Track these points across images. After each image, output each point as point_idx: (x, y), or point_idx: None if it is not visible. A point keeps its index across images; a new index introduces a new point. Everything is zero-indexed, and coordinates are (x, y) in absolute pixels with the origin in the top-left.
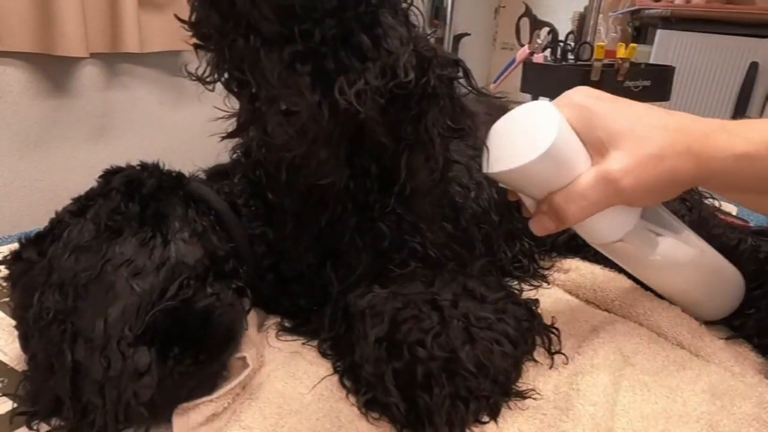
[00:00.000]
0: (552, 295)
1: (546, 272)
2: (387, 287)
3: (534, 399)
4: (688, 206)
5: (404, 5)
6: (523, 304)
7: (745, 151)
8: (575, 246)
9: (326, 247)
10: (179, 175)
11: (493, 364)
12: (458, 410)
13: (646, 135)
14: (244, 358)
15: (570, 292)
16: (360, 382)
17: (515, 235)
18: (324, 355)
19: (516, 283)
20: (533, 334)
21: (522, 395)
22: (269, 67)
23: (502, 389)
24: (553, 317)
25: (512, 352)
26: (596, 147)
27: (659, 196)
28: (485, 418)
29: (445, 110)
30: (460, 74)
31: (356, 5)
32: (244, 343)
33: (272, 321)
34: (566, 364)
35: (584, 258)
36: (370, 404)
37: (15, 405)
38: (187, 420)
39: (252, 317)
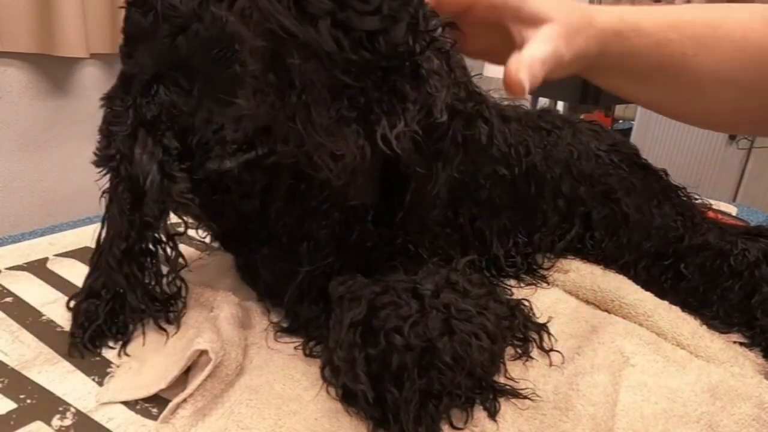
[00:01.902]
0: (552, 295)
1: (546, 272)
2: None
3: (534, 399)
4: (677, 211)
5: (447, 48)
6: (505, 302)
7: (618, 28)
8: (574, 247)
9: (303, 231)
10: None
11: (471, 357)
12: (427, 409)
13: (567, 14)
14: (206, 352)
15: (570, 292)
16: (334, 369)
17: (508, 231)
18: (310, 355)
19: (515, 283)
20: (512, 333)
21: (517, 394)
22: (318, 121)
23: (478, 384)
24: (550, 317)
25: (490, 347)
26: (531, 19)
27: (569, 66)
28: (485, 419)
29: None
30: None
31: (401, 68)
32: (209, 338)
33: (268, 322)
34: (566, 364)
35: (584, 258)
36: (346, 397)
37: (16, 405)
38: (174, 424)
39: (235, 316)
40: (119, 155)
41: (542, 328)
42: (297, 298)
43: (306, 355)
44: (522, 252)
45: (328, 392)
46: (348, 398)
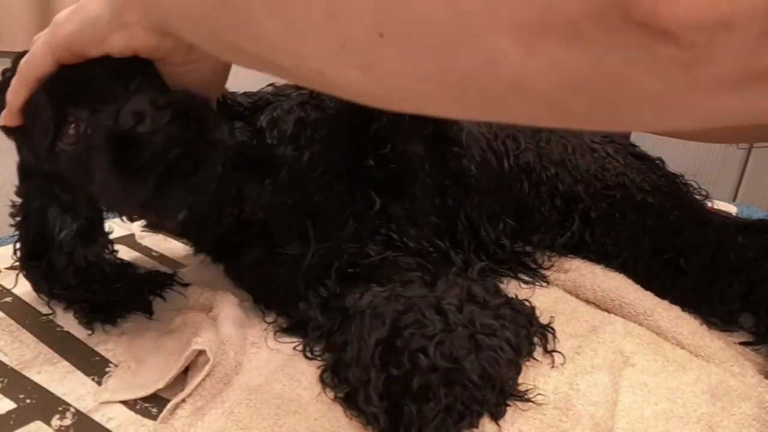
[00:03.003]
0: (552, 295)
1: (546, 272)
2: (384, 286)
3: (538, 402)
4: (675, 203)
5: None
6: (522, 310)
7: None
8: (574, 245)
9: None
10: None
11: (499, 374)
12: (445, 424)
13: None
14: (204, 352)
15: (570, 292)
16: (343, 381)
17: (498, 214)
18: (310, 357)
19: (516, 283)
20: (530, 341)
21: (523, 397)
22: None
23: (502, 398)
24: (552, 317)
25: (515, 359)
26: None
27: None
28: (484, 418)
29: None
30: None
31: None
32: (207, 338)
33: (268, 322)
34: (566, 364)
35: (584, 256)
36: (349, 401)
37: (16, 405)
38: (173, 424)
39: (234, 316)
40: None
41: (547, 329)
42: (292, 298)
43: (307, 357)
44: (510, 235)
45: (326, 393)
46: (349, 402)
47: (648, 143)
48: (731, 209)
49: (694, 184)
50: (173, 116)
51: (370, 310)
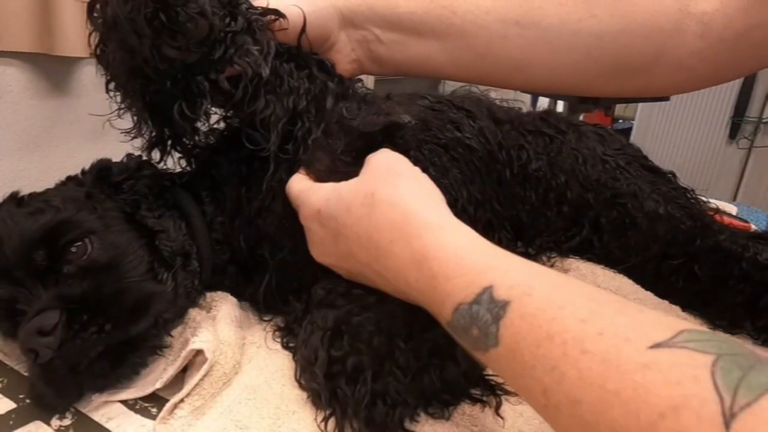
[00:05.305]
0: None
1: None
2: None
3: (516, 394)
4: (687, 213)
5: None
6: None
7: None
8: (580, 249)
9: (258, 232)
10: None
11: (429, 364)
12: (376, 408)
13: None
14: (202, 352)
15: None
16: (296, 361)
17: (494, 226)
18: (287, 347)
19: None
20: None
21: (503, 390)
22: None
23: (436, 394)
24: None
25: (453, 369)
26: None
27: None
28: (485, 418)
29: None
30: None
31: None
32: (205, 338)
33: (267, 321)
34: None
35: (584, 258)
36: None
37: (16, 405)
38: (172, 424)
39: (233, 316)
40: None
41: None
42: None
43: (283, 347)
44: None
45: None
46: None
47: (650, 149)
48: (731, 209)
49: (704, 198)
50: None
51: (327, 302)
